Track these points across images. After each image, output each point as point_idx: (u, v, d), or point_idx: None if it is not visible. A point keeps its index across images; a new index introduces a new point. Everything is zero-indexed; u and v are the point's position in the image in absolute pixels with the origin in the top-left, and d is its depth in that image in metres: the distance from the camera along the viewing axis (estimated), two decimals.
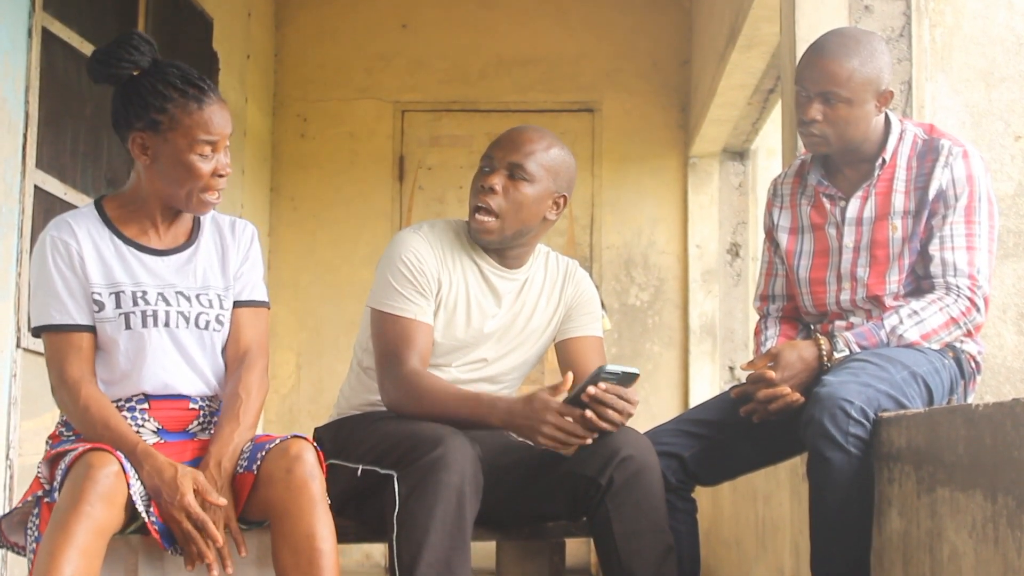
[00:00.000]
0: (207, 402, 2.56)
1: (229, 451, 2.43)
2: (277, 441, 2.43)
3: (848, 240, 2.90)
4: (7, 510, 3.02)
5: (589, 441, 2.60)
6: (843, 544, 2.59)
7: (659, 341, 7.04)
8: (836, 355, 2.76)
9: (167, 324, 2.50)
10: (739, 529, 4.72)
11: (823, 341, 2.79)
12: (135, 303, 2.49)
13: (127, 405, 2.49)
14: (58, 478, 2.32)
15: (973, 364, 2.85)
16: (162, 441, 2.49)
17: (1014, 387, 3.40)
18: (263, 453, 2.42)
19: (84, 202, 3.74)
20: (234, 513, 2.40)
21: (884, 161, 2.87)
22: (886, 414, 2.55)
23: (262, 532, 2.47)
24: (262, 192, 6.95)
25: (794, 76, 2.93)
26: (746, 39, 5.19)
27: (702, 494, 3.11)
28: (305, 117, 7.14)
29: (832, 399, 2.54)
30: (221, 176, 2.50)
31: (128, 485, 2.30)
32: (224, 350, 2.59)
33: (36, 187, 4.22)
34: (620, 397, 2.57)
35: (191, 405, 2.53)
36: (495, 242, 2.82)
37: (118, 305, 2.48)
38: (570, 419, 2.55)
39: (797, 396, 2.72)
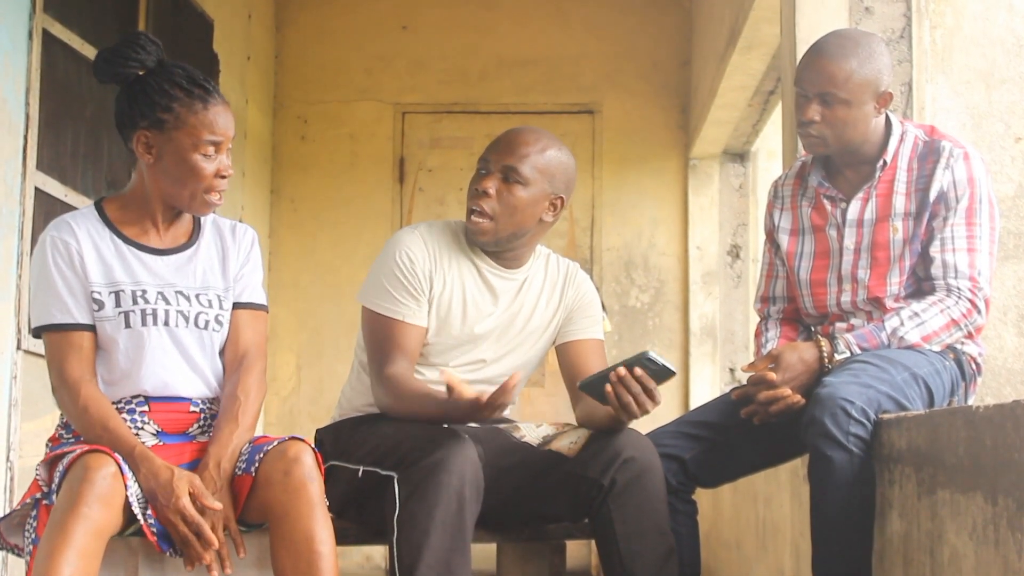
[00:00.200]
0: (207, 404, 2.56)
1: (228, 452, 2.43)
2: (275, 443, 2.43)
3: (849, 242, 2.90)
4: (7, 512, 3.02)
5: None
6: (844, 544, 2.59)
7: (659, 343, 7.04)
8: (837, 356, 2.76)
9: (167, 323, 2.50)
10: (739, 531, 4.72)
11: (824, 343, 2.78)
12: (135, 302, 2.49)
13: (127, 407, 2.49)
14: (56, 480, 2.32)
15: (974, 366, 2.85)
16: (161, 443, 2.49)
17: (1015, 389, 3.40)
18: (261, 455, 2.42)
19: (84, 204, 3.74)
20: (233, 515, 2.40)
21: (885, 163, 2.87)
22: (887, 415, 2.55)
23: (261, 534, 2.47)
24: (262, 194, 6.95)
25: (793, 77, 2.93)
26: (746, 40, 5.19)
27: (702, 496, 3.11)
28: (305, 119, 7.15)
29: (833, 399, 2.54)
30: (223, 177, 2.51)
31: (125, 487, 2.30)
32: (222, 351, 2.59)
33: (36, 189, 4.23)
34: (645, 389, 2.53)
35: (191, 408, 2.53)
36: (490, 243, 2.83)
37: (118, 304, 2.49)
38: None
39: (798, 398, 2.72)
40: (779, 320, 3.07)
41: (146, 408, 2.50)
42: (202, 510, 2.34)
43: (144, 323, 2.49)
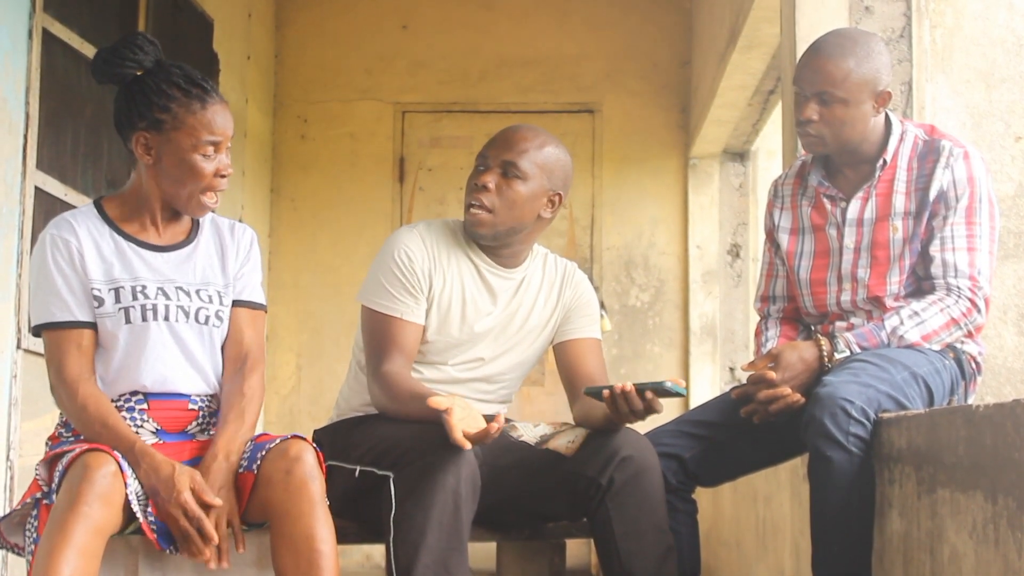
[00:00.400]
0: (206, 402, 2.56)
1: (235, 445, 2.44)
2: (277, 441, 2.43)
3: (849, 241, 2.90)
4: (7, 511, 3.02)
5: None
6: (844, 544, 2.59)
7: (659, 342, 7.04)
8: (837, 356, 2.76)
9: (167, 318, 2.51)
10: (739, 530, 4.72)
11: (824, 342, 2.78)
12: (135, 298, 2.49)
13: (126, 405, 2.49)
14: (56, 479, 2.32)
15: (974, 365, 2.85)
16: (161, 442, 2.49)
17: (1014, 388, 3.40)
18: (263, 453, 2.42)
19: (84, 203, 3.75)
20: (237, 510, 2.40)
21: (885, 162, 2.87)
22: (886, 415, 2.55)
23: (261, 533, 2.47)
24: (262, 193, 6.95)
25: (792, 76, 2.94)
26: (746, 40, 5.19)
27: (702, 495, 3.11)
28: (305, 118, 7.14)
29: (832, 399, 2.54)
30: (223, 176, 2.51)
31: (125, 485, 2.30)
32: (222, 348, 2.60)
33: (36, 188, 4.23)
34: (649, 409, 2.58)
35: (190, 405, 2.53)
36: (488, 236, 2.83)
37: (117, 300, 2.49)
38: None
39: (798, 397, 2.72)
40: (779, 319, 3.07)
41: (145, 406, 2.50)
42: (203, 505, 2.34)
43: (144, 318, 2.49)
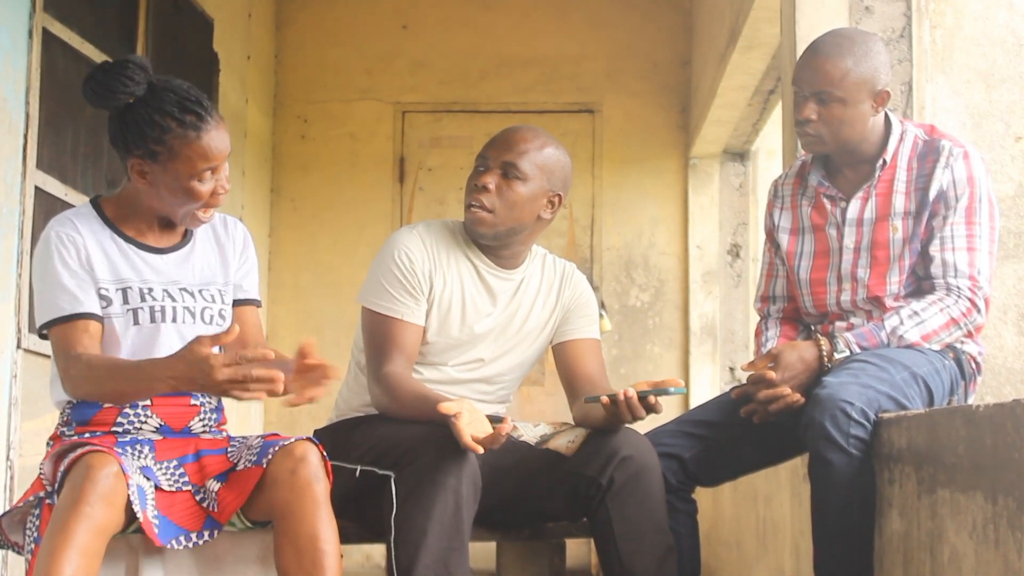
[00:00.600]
0: (208, 398, 2.56)
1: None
2: (284, 442, 2.43)
3: (849, 241, 2.90)
4: (7, 509, 3.02)
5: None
6: (846, 545, 2.59)
7: (659, 342, 7.04)
8: (836, 356, 2.76)
9: (175, 319, 2.51)
10: (739, 530, 4.72)
11: (823, 342, 2.78)
12: (142, 299, 2.49)
13: (130, 402, 2.49)
14: (58, 479, 2.32)
15: (973, 365, 2.85)
16: (162, 438, 2.49)
17: (1014, 388, 3.40)
18: (273, 450, 2.42)
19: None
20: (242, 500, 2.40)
21: (885, 162, 2.87)
22: (886, 415, 2.55)
23: (265, 533, 2.47)
24: (262, 193, 6.95)
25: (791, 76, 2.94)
26: (746, 40, 5.19)
27: (702, 495, 3.11)
28: (305, 118, 7.14)
29: (832, 400, 2.54)
30: (220, 194, 2.50)
31: (127, 485, 2.30)
32: (225, 347, 2.60)
33: (36, 188, 4.23)
34: (645, 404, 2.59)
35: (192, 402, 2.54)
36: (488, 235, 2.83)
37: (125, 301, 2.49)
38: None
39: (797, 397, 2.72)
40: (779, 319, 3.07)
41: (148, 403, 2.49)
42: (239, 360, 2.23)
43: (153, 320, 2.49)
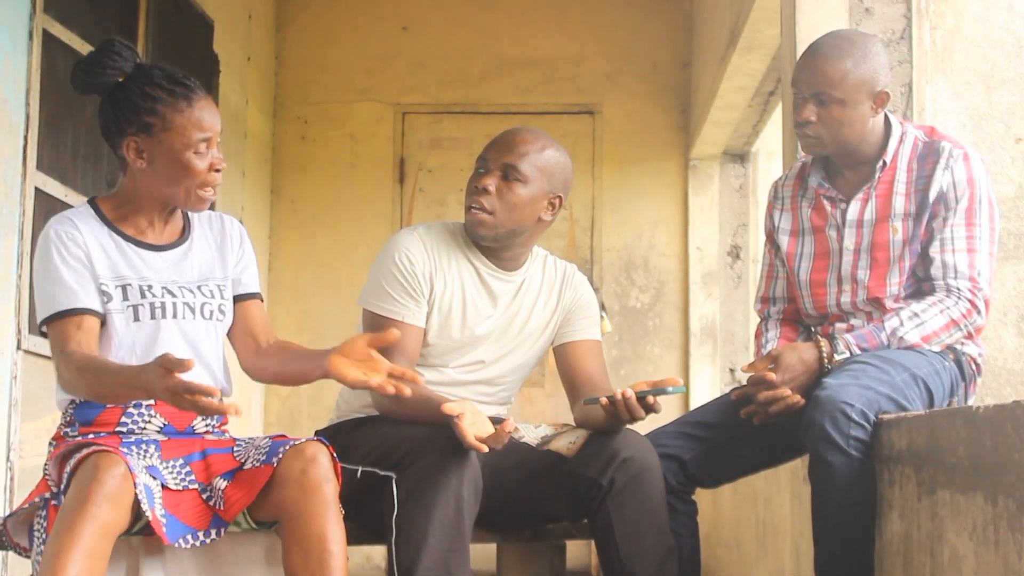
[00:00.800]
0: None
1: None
2: (294, 442, 2.44)
3: (848, 242, 2.90)
4: (9, 511, 3.02)
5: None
6: (846, 547, 2.59)
7: (659, 343, 7.04)
8: (837, 357, 2.76)
9: (175, 316, 2.52)
10: (739, 531, 4.72)
11: (824, 343, 2.79)
12: (142, 296, 2.50)
13: (134, 401, 2.49)
14: (64, 479, 2.32)
15: (974, 366, 2.85)
16: (166, 438, 2.49)
17: (1014, 389, 3.40)
18: (285, 448, 2.42)
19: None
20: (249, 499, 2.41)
21: (884, 163, 2.87)
22: (887, 416, 2.55)
23: (269, 534, 2.48)
24: (263, 194, 6.95)
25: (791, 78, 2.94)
26: (746, 41, 5.19)
27: (702, 496, 3.11)
28: (306, 119, 7.15)
29: (832, 402, 2.54)
30: (218, 171, 2.52)
31: (134, 485, 2.30)
32: (235, 341, 2.64)
33: (36, 189, 4.23)
34: (643, 404, 2.60)
35: None
36: (489, 237, 2.83)
37: (125, 298, 2.50)
38: None
39: (798, 398, 2.72)
40: (779, 321, 3.07)
41: (152, 402, 2.49)
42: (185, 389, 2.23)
43: (153, 316, 2.50)
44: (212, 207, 2.64)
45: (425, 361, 2.85)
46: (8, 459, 4.07)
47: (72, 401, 2.50)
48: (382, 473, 2.61)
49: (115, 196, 2.59)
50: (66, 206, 4.33)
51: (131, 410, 2.48)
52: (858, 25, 3.57)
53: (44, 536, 2.33)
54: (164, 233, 2.60)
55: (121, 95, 2.49)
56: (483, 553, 3.08)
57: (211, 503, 2.42)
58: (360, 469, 2.67)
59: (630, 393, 2.58)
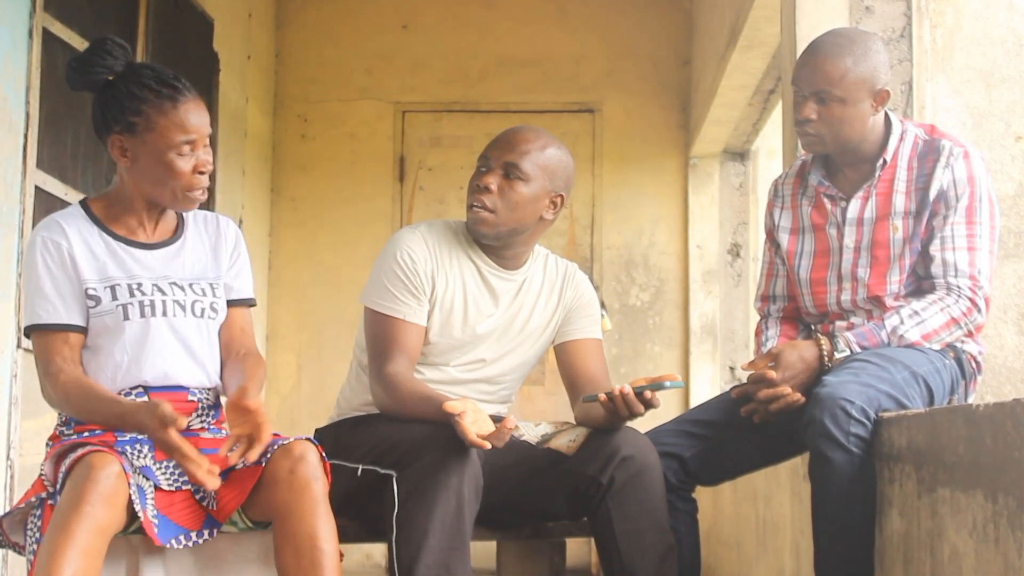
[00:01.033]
0: (205, 394, 2.57)
1: (254, 386, 2.46)
2: (283, 441, 2.44)
3: (849, 240, 2.90)
4: (7, 509, 3.03)
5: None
6: (846, 544, 2.59)
7: (660, 341, 7.05)
8: (837, 355, 2.76)
9: (165, 313, 2.52)
10: (739, 529, 4.72)
11: (824, 341, 2.79)
12: (131, 294, 2.51)
13: (127, 398, 2.49)
14: (60, 479, 2.32)
15: (974, 364, 2.86)
16: None
17: (1015, 387, 3.40)
18: (274, 447, 2.42)
19: None
20: (243, 501, 2.42)
21: (885, 162, 2.87)
22: (887, 414, 2.55)
23: (265, 533, 2.47)
24: (263, 193, 6.95)
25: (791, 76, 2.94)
26: (747, 40, 5.19)
27: (702, 494, 3.11)
28: (306, 118, 7.15)
29: (833, 399, 2.54)
30: (202, 173, 2.52)
31: (128, 485, 2.30)
32: (221, 346, 2.61)
33: (37, 187, 4.23)
34: (641, 400, 2.59)
35: (190, 397, 2.54)
36: (491, 235, 2.83)
37: (114, 298, 2.51)
38: None
39: (798, 396, 2.72)
40: (779, 319, 3.07)
41: (145, 398, 2.50)
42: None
43: (143, 314, 2.51)
44: (211, 207, 2.64)
45: (426, 359, 2.85)
46: (8, 457, 4.07)
47: None
48: (383, 471, 2.61)
49: (108, 195, 2.61)
50: (66, 204, 4.33)
51: None
52: (858, 23, 3.57)
53: (38, 535, 2.34)
54: (156, 231, 2.61)
55: (110, 93, 2.51)
56: (483, 551, 3.08)
57: (204, 503, 2.43)
58: (361, 467, 2.67)
59: (628, 389, 2.58)
